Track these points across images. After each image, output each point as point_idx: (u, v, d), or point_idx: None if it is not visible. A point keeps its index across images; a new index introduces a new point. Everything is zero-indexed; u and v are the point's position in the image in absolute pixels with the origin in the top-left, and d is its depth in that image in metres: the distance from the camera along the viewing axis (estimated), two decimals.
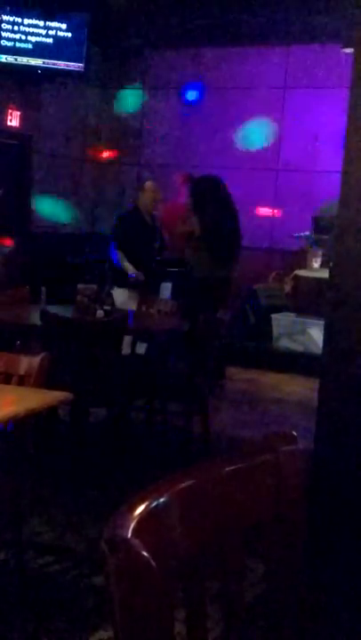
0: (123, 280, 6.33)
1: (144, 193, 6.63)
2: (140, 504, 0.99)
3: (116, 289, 5.69)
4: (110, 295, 5.17)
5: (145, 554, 0.89)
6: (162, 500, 1.03)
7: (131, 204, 7.07)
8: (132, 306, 5.66)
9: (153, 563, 0.89)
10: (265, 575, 1.33)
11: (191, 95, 10.03)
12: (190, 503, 1.09)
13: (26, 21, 8.76)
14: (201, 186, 6.66)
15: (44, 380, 2.86)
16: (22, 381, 2.86)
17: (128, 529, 0.92)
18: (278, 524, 1.28)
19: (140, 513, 0.97)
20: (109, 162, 10.59)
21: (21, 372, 2.89)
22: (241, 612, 1.21)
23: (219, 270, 6.49)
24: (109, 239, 6.84)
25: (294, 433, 1.26)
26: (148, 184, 6.75)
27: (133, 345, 5.51)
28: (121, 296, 5.94)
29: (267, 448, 1.24)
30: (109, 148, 10.56)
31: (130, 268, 6.47)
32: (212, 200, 6.50)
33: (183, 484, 1.09)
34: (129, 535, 0.92)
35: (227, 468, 1.18)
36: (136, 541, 0.91)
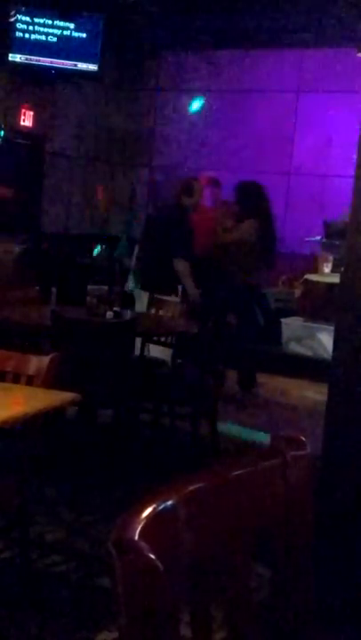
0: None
1: (195, 192, 6.42)
2: (147, 506, 0.99)
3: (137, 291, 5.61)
4: (119, 297, 5.17)
5: (152, 556, 0.89)
6: (169, 502, 1.03)
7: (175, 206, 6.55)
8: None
9: (160, 565, 0.89)
10: (271, 579, 1.33)
11: (197, 104, 10.05)
12: (198, 506, 1.09)
13: (41, 21, 8.78)
14: (252, 191, 6.58)
15: (53, 380, 2.87)
16: (31, 381, 2.87)
17: (135, 531, 0.93)
18: (285, 528, 1.28)
19: (148, 515, 0.97)
20: (121, 163, 10.61)
21: (30, 371, 2.89)
22: (246, 615, 1.20)
23: (263, 274, 6.58)
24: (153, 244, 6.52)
25: (303, 437, 1.26)
26: (197, 183, 6.58)
27: (143, 347, 5.51)
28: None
29: (275, 452, 1.24)
30: (121, 149, 10.58)
31: (192, 288, 6.19)
32: (264, 205, 6.46)
33: (191, 488, 1.09)
34: (136, 537, 0.92)
35: (234, 472, 1.18)
36: (143, 543, 0.91)
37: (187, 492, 1.08)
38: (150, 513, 0.99)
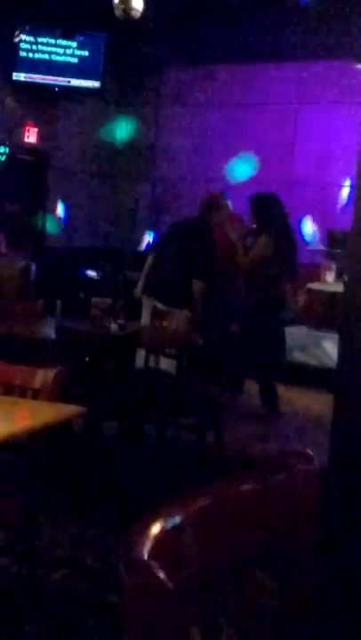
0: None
1: (220, 210, 6.33)
2: (155, 524, 1.00)
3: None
4: (124, 309, 5.17)
5: (162, 575, 0.90)
6: (177, 519, 1.04)
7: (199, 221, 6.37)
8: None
9: (170, 584, 0.90)
10: (279, 593, 1.33)
11: None
12: (206, 522, 1.09)
13: (44, 41, 8.90)
14: (264, 204, 6.49)
15: (59, 393, 2.87)
16: (37, 395, 2.88)
17: (145, 550, 0.93)
18: (293, 541, 1.28)
19: (157, 533, 0.98)
20: (124, 177, 10.64)
21: (37, 385, 2.90)
22: (255, 629, 1.21)
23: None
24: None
25: (310, 452, 1.26)
26: (222, 197, 6.50)
27: (147, 359, 5.51)
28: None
29: (282, 466, 1.25)
30: (124, 164, 10.62)
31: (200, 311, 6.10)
32: (277, 217, 6.40)
33: (198, 504, 1.10)
34: (145, 556, 0.92)
35: (242, 487, 1.18)
36: (153, 563, 0.91)
37: (195, 507, 1.09)
38: (159, 530, 0.99)
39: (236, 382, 6.54)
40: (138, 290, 6.38)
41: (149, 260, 6.47)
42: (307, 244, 8.99)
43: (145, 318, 6.02)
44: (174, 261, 6.15)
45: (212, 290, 6.23)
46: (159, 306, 6.01)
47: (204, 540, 1.09)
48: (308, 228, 9.40)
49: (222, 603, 1.13)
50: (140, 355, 5.10)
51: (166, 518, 1.04)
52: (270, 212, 6.38)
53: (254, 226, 6.54)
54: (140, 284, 6.40)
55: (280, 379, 6.94)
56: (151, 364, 5.35)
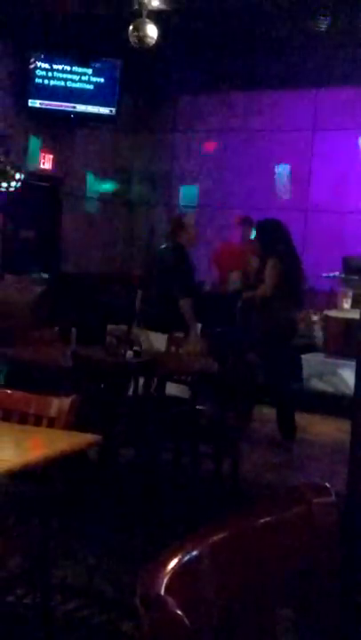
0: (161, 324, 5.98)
1: (186, 229, 6.38)
2: (172, 558, 0.99)
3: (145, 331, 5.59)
4: (139, 336, 5.18)
5: (178, 612, 0.88)
6: (194, 553, 1.02)
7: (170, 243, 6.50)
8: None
9: (186, 620, 0.88)
10: (299, 626, 1.31)
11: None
12: (223, 557, 1.08)
13: (59, 67, 8.98)
14: (269, 229, 6.50)
15: (74, 421, 2.86)
16: (52, 423, 2.87)
17: (161, 585, 0.92)
18: (312, 574, 1.26)
19: (173, 568, 0.97)
20: (139, 203, 10.71)
21: (52, 413, 2.89)
22: None
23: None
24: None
25: (327, 484, 1.25)
26: (187, 218, 6.62)
27: (163, 386, 5.48)
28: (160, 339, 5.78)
29: (299, 499, 1.23)
30: (139, 190, 10.69)
31: (194, 327, 6.10)
32: (282, 243, 6.42)
33: (215, 538, 1.08)
34: (162, 592, 0.91)
35: (259, 521, 1.17)
36: (169, 599, 0.90)
37: (211, 542, 1.07)
38: (176, 565, 0.98)
39: (247, 409, 6.52)
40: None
41: (139, 294, 6.54)
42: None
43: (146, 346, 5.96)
44: (157, 288, 6.28)
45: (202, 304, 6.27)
46: (152, 335, 6.00)
47: (221, 575, 1.07)
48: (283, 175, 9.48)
49: (241, 637, 1.11)
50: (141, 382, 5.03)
51: (183, 553, 1.02)
52: (273, 237, 6.41)
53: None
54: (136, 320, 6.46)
55: (297, 406, 6.91)
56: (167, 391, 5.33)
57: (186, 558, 1.01)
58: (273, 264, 6.29)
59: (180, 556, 1.00)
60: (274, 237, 6.43)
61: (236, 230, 8.16)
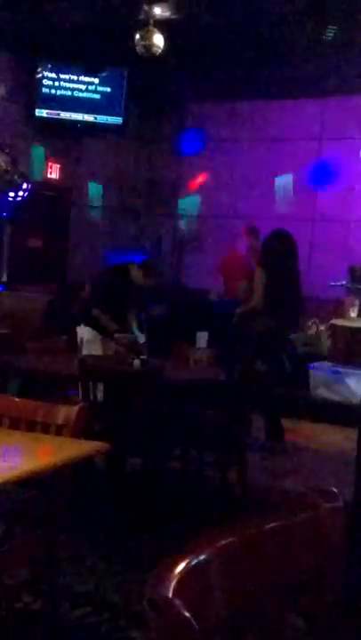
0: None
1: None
2: (180, 562, 0.99)
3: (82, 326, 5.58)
4: (147, 345, 5.18)
5: (186, 614, 0.89)
6: (202, 558, 1.03)
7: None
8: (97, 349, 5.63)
9: (194, 623, 0.89)
10: (306, 632, 1.32)
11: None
12: (231, 561, 1.08)
13: (66, 77, 9.00)
14: (268, 240, 6.51)
15: (82, 429, 2.87)
16: (60, 431, 2.88)
17: (169, 588, 0.92)
18: (319, 580, 1.26)
19: (181, 571, 0.97)
20: (146, 213, 10.73)
21: (59, 421, 2.90)
22: None
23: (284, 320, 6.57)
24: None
25: (335, 490, 1.25)
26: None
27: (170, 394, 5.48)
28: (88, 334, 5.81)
29: (307, 505, 1.24)
30: (146, 199, 10.71)
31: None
32: (275, 254, 6.41)
33: (223, 542, 1.09)
34: (170, 595, 0.92)
35: (267, 526, 1.17)
36: (178, 602, 0.90)
37: (219, 546, 1.08)
38: (183, 569, 0.99)
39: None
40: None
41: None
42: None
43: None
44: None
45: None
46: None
47: (229, 580, 1.08)
48: None
49: None
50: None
51: (191, 557, 1.03)
52: (268, 247, 6.43)
53: None
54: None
55: (304, 415, 6.91)
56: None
57: (194, 562, 1.01)
58: (258, 275, 6.33)
59: (188, 560, 1.01)
60: (269, 248, 6.44)
61: (243, 240, 8.19)
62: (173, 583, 0.95)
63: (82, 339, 5.79)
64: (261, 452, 6.10)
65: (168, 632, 0.90)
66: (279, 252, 6.39)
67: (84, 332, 5.83)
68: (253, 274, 6.63)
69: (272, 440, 6.34)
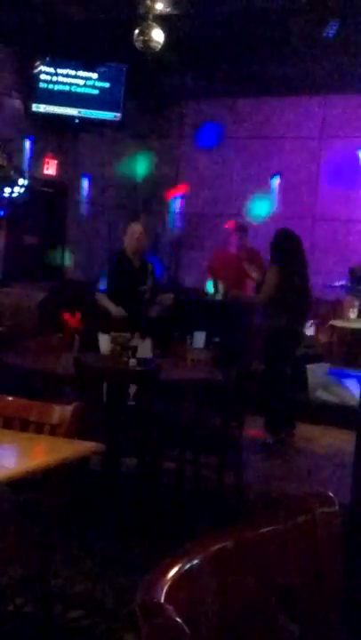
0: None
1: (127, 235, 6.50)
2: (172, 566, 0.96)
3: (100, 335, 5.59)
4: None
5: (178, 620, 0.86)
6: (195, 562, 1.00)
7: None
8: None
9: (186, 629, 0.86)
10: (301, 637, 1.28)
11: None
12: (224, 565, 1.05)
13: (64, 72, 8.94)
14: (278, 238, 6.51)
15: (77, 429, 2.83)
16: (54, 431, 2.84)
17: (161, 593, 0.90)
18: (315, 585, 1.23)
19: (173, 576, 0.94)
20: (144, 210, 10.70)
21: (54, 421, 2.86)
22: None
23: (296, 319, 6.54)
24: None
25: (331, 494, 1.22)
26: (132, 226, 6.66)
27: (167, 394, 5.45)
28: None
29: (303, 509, 1.20)
30: (144, 197, 10.68)
31: (111, 306, 6.37)
32: (288, 251, 6.43)
33: (217, 546, 1.05)
34: (162, 600, 0.89)
35: (262, 530, 1.14)
36: (169, 607, 0.88)
37: (213, 550, 1.05)
38: (176, 573, 0.96)
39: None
40: None
41: None
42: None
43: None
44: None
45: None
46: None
47: (222, 584, 1.05)
48: None
49: None
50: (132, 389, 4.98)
51: (184, 561, 1.00)
52: (280, 247, 6.42)
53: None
54: None
55: (302, 417, 6.89)
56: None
57: (187, 567, 0.98)
58: (272, 273, 6.33)
59: (180, 565, 0.97)
60: (280, 247, 6.43)
61: (231, 238, 8.10)
62: (165, 588, 0.92)
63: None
64: (259, 454, 6.08)
65: (160, 637, 0.87)
66: (293, 251, 6.42)
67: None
68: (248, 271, 6.63)
69: (273, 436, 6.33)
